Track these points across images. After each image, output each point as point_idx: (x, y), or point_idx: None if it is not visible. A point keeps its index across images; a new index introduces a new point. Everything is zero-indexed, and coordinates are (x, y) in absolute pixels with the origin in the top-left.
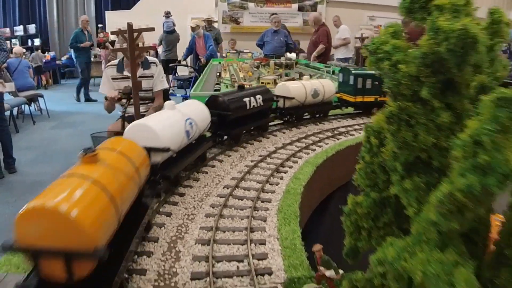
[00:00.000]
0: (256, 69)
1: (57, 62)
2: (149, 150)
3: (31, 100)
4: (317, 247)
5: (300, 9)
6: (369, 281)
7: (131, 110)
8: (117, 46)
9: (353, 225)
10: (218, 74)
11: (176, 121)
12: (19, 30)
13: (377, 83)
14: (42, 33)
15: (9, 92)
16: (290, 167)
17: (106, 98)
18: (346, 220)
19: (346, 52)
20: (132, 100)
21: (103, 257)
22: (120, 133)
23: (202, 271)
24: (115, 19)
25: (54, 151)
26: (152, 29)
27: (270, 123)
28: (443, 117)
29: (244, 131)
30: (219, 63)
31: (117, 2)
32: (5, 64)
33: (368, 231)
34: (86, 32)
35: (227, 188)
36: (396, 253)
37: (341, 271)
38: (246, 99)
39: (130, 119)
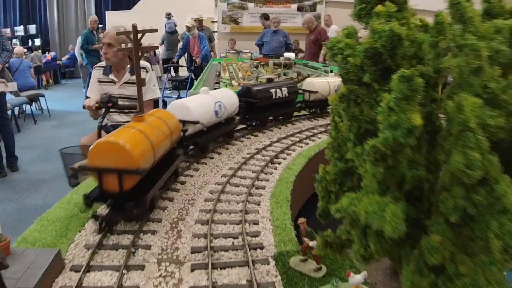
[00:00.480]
0: (255, 68)
1: (58, 62)
2: (184, 122)
3: (32, 99)
4: (301, 220)
5: (300, 9)
6: (338, 237)
7: (116, 118)
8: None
9: (324, 190)
10: (217, 73)
11: (207, 102)
12: (20, 30)
13: None
14: (43, 33)
15: (11, 92)
16: (284, 158)
17: (83, 107)
18: (318, 186)
19: None
20: (111, 110)
21: (142, 174)
22: None
23: (201, 246)
24: (115, 19)
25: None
26: (155, 30)
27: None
28: (381, 97)
29: (270, 117)
30: (219, 63)
31: (117, 2)
32: (6, 64)
33: (336, 194)
34: (95, 33)
35: (225, 177)
36: (349, 201)
37: None
38: (273, 90)
39: (113, 128)
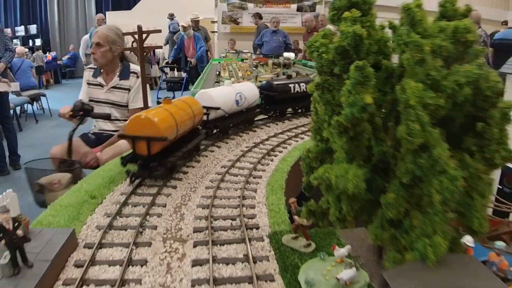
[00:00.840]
0: (254, 68)
1: (58, 62)
2: (207, 108)
3: (34, 99)
4: (292, 200)
5: (299, 9)
6: (319, 206)
7: (101, 125)
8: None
9: (307, 166)
10: (217, 73)
11: (229, 92)
12: (20, 30)
13: None
14: (43, 33)
15: (12, 92)
16: (280, 151)
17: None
18: (303, 163)
19: None
20: (85, 118)
21: (165, 141)
22: (65, 161)
23: (202, 226)
24: (116, 20)
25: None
26: (159, 31)
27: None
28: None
29: (289, 109)
30: (219, 62)
31: (118, 2)
32: (9, 64)
33: (317, 169)
34: None
35: (224, 168)
36: (323, 170)
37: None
38: (291, 85)
39: (97, 138)
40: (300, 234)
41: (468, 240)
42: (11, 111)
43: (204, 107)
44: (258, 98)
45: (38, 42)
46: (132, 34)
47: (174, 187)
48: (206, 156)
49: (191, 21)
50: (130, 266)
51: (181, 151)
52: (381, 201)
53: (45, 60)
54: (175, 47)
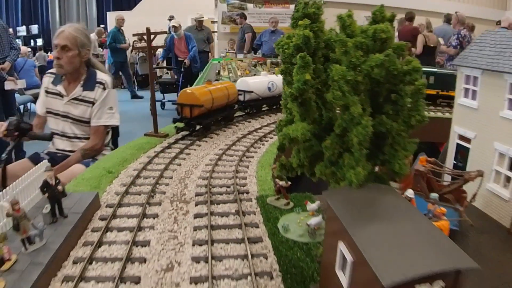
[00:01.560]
0: (253, 67)
1: None
2: (243, 91)
3: (37, 98)
4: (273, 165)
5: None
6: (289, 161)
7: (58, 144)
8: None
9: (279, 131)
10: (217, 71)
11: (263, 80)
12: (22, 30)
13: (438, 79)
14: (45, 33)
15: (18, 89)
16: (271, 138)
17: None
18: (276, 130)
19: None
20: (23, 138)
21: (203, 108)
22: None
23: (202, 191)
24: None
25: None
26: (166, 32)
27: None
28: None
29: None
30: (219, 62)
31: (119, 2)
32: (14, 62)
33: (311, 153)
34: (122, 31)
35: (221, 150)
36: (286, 128)
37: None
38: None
39: (51, 159)
40: (281, 196)
41: (409, 192)
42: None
43: (239, 90)
44: None
45: (39, 42)
46: (141, 35)
47: (179, 165)
48: (206, 141)
49: (195, 20)
50: (145, 218)
51: (215, 117)
52: (322, 146)
53: (47, 60)
54: (164, 48)
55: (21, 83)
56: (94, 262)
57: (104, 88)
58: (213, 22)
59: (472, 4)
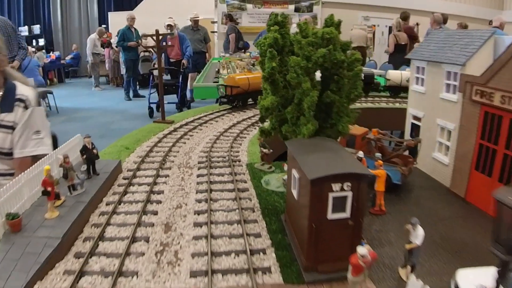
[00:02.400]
0: (252, 66)
1: (61, 61)
2: (231, 87)
3: (41, 96)
4: (259, 138)
5: (297, 10)
6: (266, 128)
7: None
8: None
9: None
10: (217, 70)
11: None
12: (24, 30)
13: None
14: (46, 33)
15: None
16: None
17: None
18: (258, 106)
19: None
20: None
21: (239, 88)
22: None
23: (203, 160)
24: (118, 20)
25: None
26: (172, 34)
27: None
28: (277, 60)
29: None
30: (218, 61)
31: (120, 3)
32: (23, 61)
33: (279, 118)
34: (133, 30)
35: (219, 132)
36: (262, 102)
37: (271, 151)
38: None
39: None
40: (265, 162)
41: (360, 153)
42: None
43: (227, 85)
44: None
45: (41, 42)
46: (151, 36)
47: (184, 143)
48: (207, 126)
49: (190, 20)
50: (159, 177)
51: (250, 96)
52: (286, 112)
53: (49, 60)
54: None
55: (29, 82)
56: (122, 203)
57: (26, 107)
58: (213, 22)
59: (469, 4)
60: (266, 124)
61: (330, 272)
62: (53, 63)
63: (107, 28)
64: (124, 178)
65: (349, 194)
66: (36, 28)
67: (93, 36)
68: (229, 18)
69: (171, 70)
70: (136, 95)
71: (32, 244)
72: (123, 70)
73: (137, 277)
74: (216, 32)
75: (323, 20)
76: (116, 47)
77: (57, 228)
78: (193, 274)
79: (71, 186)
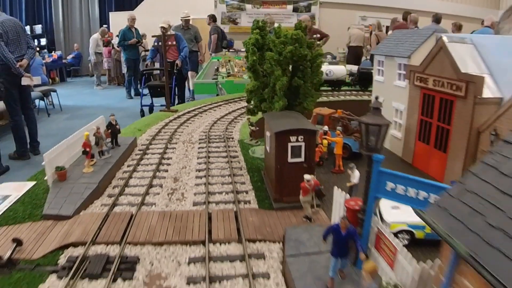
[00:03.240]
0: None
1: (63, 61)
2: None
3: (45, 94)
4: (248, 117)
5: (295, 10)
6: (251, 106)
7: None
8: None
9: (247, 91)
10: (216, 68)
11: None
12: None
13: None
14: (48, 33)
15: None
16: None
17: None
18: (245, 91)
19: None
20: None
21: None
22: None
23: (203, 138)
24: (119, 20)
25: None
26: (177, 35)
27: None
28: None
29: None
30: (218, 60)
31: (120, 3)
32: (30, 60)
33: (259, 98)
34: (133, 30)
35: (217, 118)
36: (247, 87)
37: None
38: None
39: None
40: (253, 138)
41: (325, 127)
42: None
43: None
44: (346, 75)
45: (43, 41)
46: (158, 36)
47: (187, 126)
48: (206, 114)
49: (181, 19)
50: (167, 149)
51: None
52: (264, 93)
53: (51, 59)
54: (152, 47)
55: (36, 80)
56: (140, 165)
57: None
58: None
59: (465, 4)
60: (251, 104)
61: (292, 202)
62: (55, 63)
63: (108, 28)
64: (140, 150)
65: (302, 144)
66: (38, 28)
67: (96, 36)
68: (212, 19)
69: (163, 72)
70: (138, 93)
71: (76, 188)
72: (124, 69)
73: (155, 206)
74: None
75: (321, 20)
76: (118, 46)
77: (94, 178)
78: (195, 204)
79: (101, 152)
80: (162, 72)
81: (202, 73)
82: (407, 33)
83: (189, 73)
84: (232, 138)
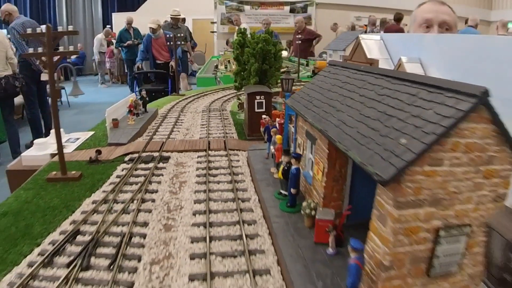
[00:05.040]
0: None
1: (68, 60)
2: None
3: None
4: (239, 98)
5: (292, 11)
6: (236, 83)
7: None
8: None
9: (235, 75)
10: (216, 65)
11: None
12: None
13: None
14: None
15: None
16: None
17: None
18: (233, 75)
19: None
20: None
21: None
22: None
23: (205, 110)
24: (121, 20)
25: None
26: (157, 35)
27: None
28: (240, 50)
29: None
30: (217, 59)
31: (123, 4)
32: None
33: (241, 78)
34: (131, 31)
35: (214, 99)
36: (234, 70)
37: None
38: None
39: None
40: (240, 109)
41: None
42: None
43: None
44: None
45: None
46: (170, 39)
47: (193, 104)
48: (202, 98)
49: (171, 18)
50: (180, 116)
51: None
52: (244, 74)
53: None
54: (141, 48)
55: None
56: (163, 123)
57: None
58: (212, 22)
59: (459, 4)
60: (237, 83)
61: (257, 135)
62: (60, 62)
63: (111, 29)
64: (161, 116)
65: (264, 101)
66: (42, 29)
67: (100, 36)
68: (182, 20)
69: (158, 75)
70: None
71: (126, 131)
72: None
73: (175, 138)
74: (215, 32)
75: (318, 20)
76: (116, 48)
77: (135, 126)
78: (200, 138)
79: (137, 114)
80: (154, 75)
81: (204, 69)
82: (350, 34)
83: (181, 74)
84: (225, 110)
